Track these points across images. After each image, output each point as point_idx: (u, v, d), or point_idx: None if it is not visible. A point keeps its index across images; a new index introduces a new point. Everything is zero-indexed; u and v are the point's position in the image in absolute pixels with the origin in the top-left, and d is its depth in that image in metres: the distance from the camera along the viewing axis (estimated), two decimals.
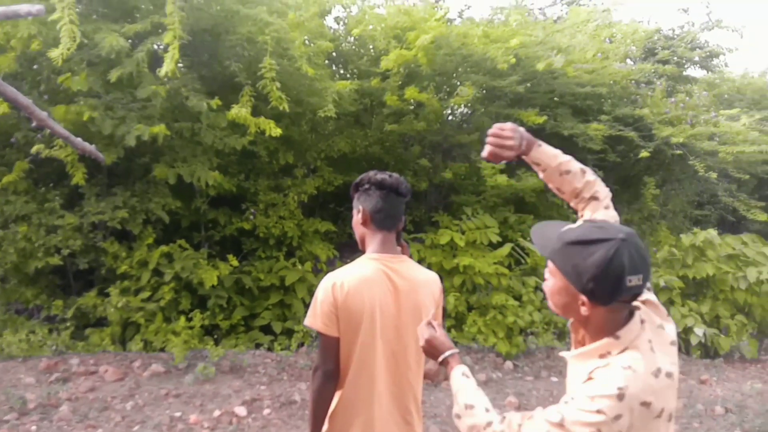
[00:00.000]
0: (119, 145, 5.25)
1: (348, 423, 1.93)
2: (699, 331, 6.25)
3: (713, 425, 4.68)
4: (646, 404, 1.26)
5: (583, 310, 1.36)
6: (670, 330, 1.41)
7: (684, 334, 6.39)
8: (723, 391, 5.50)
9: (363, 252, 2.05)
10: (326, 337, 1.88)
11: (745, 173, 7.42)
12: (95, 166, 5.54)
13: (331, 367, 1.90)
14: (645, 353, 1.32)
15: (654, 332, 1.38)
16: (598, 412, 1.24)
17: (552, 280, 1.44)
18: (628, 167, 7.94)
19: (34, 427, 4.06)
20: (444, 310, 2.14)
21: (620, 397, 1.24)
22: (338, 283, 1.88)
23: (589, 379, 1.32)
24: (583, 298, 1.34)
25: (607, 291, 1.31)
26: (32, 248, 5.55)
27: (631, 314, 1.38)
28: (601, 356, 1.36)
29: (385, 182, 1.99)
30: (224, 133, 5.61)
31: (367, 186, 2.02)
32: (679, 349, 6.27)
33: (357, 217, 2.04)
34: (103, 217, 5.61)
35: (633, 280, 1.28)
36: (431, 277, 2.05)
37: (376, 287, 1.91)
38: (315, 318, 1.89)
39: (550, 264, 1.44)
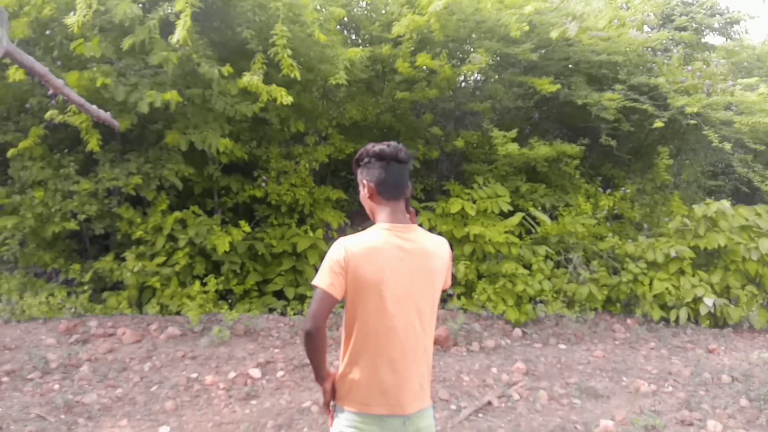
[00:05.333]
0: (132, 111, 5.27)
1: (358, 387, 1.96)
2: (708, 301, 6.27)
3: (719, 393, 4.74)
4: None
5: None
6: None
7: (693, 303, 6.41)
8: (730, 360, 5.55)
9: (374, 222, 2.06)
10: (327, 296, 1.87)
11: (761, 144, 7.33)
12: (109, 132, 5.58)
13: (319, 325, 1.87)
14: None
15: None
16: None
17: None
18: (642, 136, 7.86)
19: (57, 386, 4.21)
20: (453, 276, 2.16)
21: None
22: (349, 248, 1.90)
23: None
24: None
25: None
26: (49, 213, 5.66)
27: None
28: None
29: (384, 152, 1.98)
30: (235, 100, 5.61)
31: (367, 159, 2.01)
32: (688, 319, 6.35)
33: (363, 192, 2.04)
34: (117, 183, 5.68)
35: None
36: (440, 243, 2.07)
37: (387, 255, 1.92)
38: (322, 278, 1.89)
39: None
